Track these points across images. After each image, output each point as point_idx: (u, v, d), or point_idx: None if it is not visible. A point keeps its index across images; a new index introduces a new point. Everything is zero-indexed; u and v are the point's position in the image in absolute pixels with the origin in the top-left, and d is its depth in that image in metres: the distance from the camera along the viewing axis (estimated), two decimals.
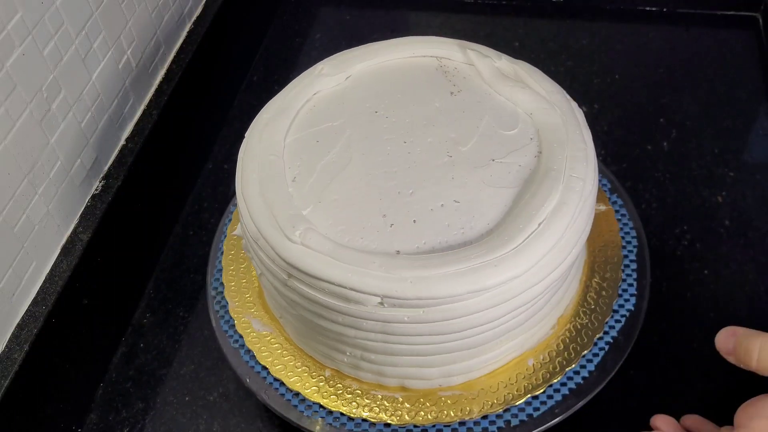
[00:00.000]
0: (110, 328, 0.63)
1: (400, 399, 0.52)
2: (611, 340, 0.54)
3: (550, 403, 0.51)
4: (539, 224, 0.46)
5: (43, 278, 0.56)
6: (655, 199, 0.68)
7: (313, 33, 0.90)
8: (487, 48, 0.58)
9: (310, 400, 0.52)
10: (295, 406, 0.53)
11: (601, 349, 0.54)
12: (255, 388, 0.54)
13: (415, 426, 0.51)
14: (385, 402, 0.52)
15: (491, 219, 0.48)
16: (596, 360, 0.53)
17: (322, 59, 0.58)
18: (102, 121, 0.63)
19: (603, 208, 0.61)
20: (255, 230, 0.49)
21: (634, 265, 0.58)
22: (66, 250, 0.58)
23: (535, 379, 0.52)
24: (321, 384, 0.53)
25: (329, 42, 0.88)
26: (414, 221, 0.48)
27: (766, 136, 0.73)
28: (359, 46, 0.60)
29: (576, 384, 0.52)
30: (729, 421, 0.49)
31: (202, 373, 0.61)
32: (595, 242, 0.59)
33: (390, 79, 0.57)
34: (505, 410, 0.51)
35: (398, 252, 0.46)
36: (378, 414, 0.51)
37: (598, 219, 0.58)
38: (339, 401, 0.52)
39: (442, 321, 0.46)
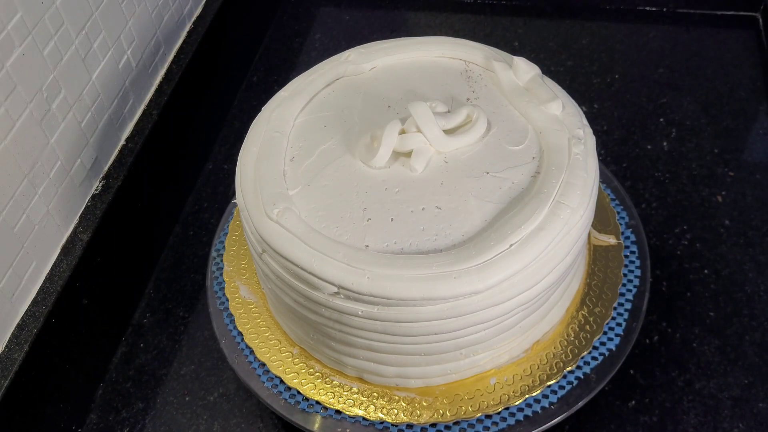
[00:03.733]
0: (110, 328, 0.63)
1: (356, 389, 0.52)
2: (575, 380, 0.52)
3: (502, 425, 0.50)
4: (511, 245, 0.45)
5: (43, 278, 0.56)
6: (655, 199, 0.68)
7: (313, 33, 0.90)
8: (525, 60, 0.54)
9: (272, 372, 0.54)
10: (259, 375, 0.54)
11: (555, 389, 0.52)
12: (227, 351, 0.56)
13: (364, 419, 0.51)
14: (342, 390, 0.52)
15: (467, 231, 0.47)
16: (561, 392, 0.51)
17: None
18: (102, 121, 0.63)
19: (613, 241, 0.58)
20: (242, 201, 0.50)
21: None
22: (66, 250, 0.58)
23: (492, 400, 0.50)
24: (288, 360, 0.54)
25: (329, 42, 0.88)
26: (391, 219, 0.48)
27: (766, 136, 0.73)
28: (391, 39, 0.59)
29: (533, 412, 0.51)
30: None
31: (202, 373, 0.61)
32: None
33: (413, 76, 0.56)
34: (455, 423, 0.50)
35: (367, 246, 0.46)
36: (330, 401, 0.52)
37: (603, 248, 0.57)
38: (299, 379, 0.53)
39: (396, 322, 0.46)
